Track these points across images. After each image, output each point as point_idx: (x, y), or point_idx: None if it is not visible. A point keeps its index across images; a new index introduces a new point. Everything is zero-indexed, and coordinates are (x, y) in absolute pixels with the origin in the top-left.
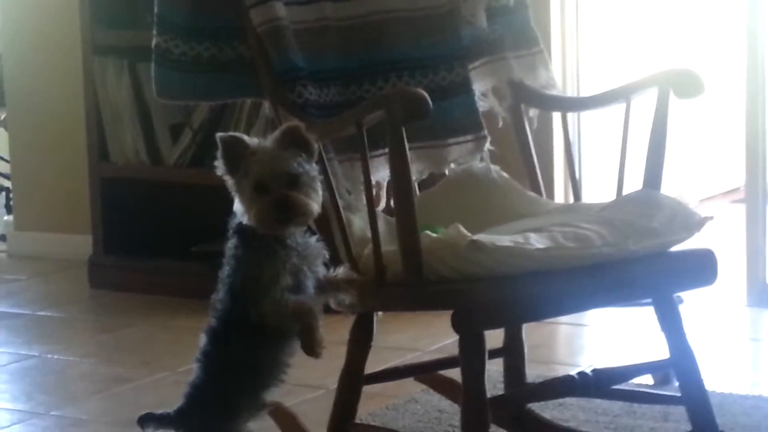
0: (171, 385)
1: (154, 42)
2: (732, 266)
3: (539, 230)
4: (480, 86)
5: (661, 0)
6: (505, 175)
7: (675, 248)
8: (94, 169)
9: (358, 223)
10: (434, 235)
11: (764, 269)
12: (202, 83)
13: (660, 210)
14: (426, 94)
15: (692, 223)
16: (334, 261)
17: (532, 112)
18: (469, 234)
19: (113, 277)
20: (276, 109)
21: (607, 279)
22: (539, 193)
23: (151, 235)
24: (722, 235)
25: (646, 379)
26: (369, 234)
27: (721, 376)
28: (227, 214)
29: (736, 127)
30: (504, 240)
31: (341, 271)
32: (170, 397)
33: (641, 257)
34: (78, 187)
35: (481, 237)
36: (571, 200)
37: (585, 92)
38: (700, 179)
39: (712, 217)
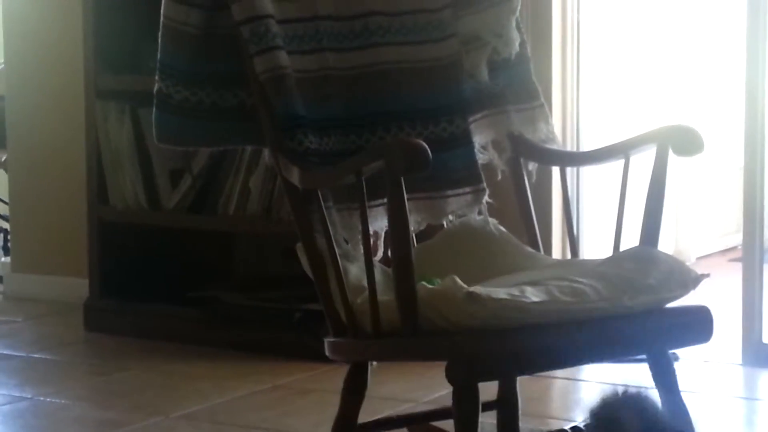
0: (164, 430)
1: (155, 87)
2: (728, 324)
3: (535, 284)
4: (480, 139)
5: (661, 57)
6: (502, 228)
7: (671, 305)
8: (92, 213)
9: (354, 271)
10: (430, 286)
11: (760, 328)
12: (202, 129)
13: (656, 266)
14: (426, 146)
15: (688, 280)
16: (326, 310)
17: (531, 166)
18: (465, 286)
19: (109, 321)
20: (276, 156)
21: (603, 334)
22: (537, 247)
23: (148, 280)
24: (719, 293)
25: None
26: (364, 283)
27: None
28: (225, 260)
29: (734, 184)
30: (500, 293)
31: None
32: None
33: (637, 313)
34: (76, 230)
35: (477, 289)
36: (569, 255)
37: (584, 147)
38: (698, 237)
39: (708, 275)
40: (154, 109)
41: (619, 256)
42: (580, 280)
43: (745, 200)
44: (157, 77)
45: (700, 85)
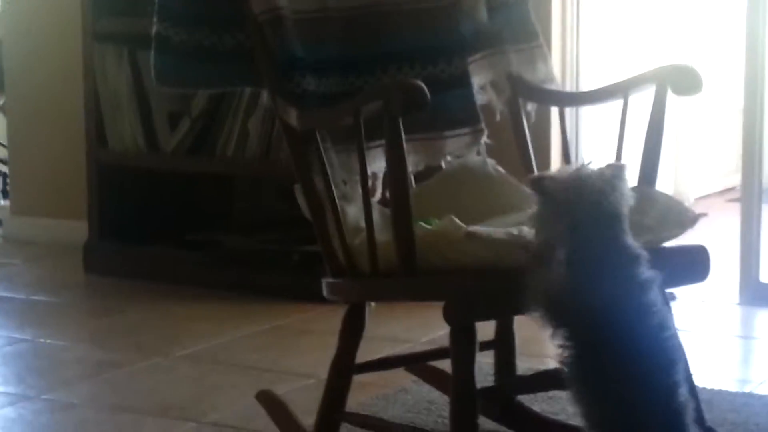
0: (164, 371)
1: (154, 29)
2: (725, 264)
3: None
4: (478, 79)
5: None
6: (500, 169)
7: (668, 244)
8: (91, 156)
9: (352, 212)
10: (428, 226)
11: (757, 268)
12: (201, 71)
13: (653, 206)
14: (424, 86)
15: (686, 220)
16: (324, 251)
17: (530, 106)
18: (464, 225)
19: (108, 263)
20: (274, 98)
21: None
22: None
23: (147, 222)
24: (717, 233)
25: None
26: (362, 224)
27: (711, 373)
28: (223, 202)
29: (734, 125)
30: (499, 232)
31: None
32: (162, 383)
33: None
34: (75, 173)
35: (476, 228)
36: None
37: (583, 87)
38: (697, 177)
39: (705, 214)
40: (152, 51)
41: None
42: None
43: (744, 141)
44: (155, 19)
45: (701, 26)
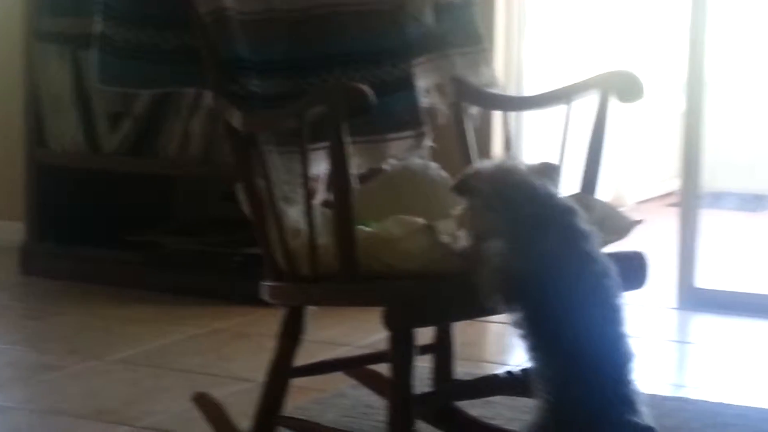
0: (99, 374)
1: (96, 28)
2: (664, 269)
3: None
4: (423, 82)
5: (605, 3)
6: (444, 173)
7: (605, 251)
8: (30, 156)
9: (293, 214)
10: (368, 229)
11: (695, 273)
12: (143, 71)
13: (590, 213)
14: (369, 91)
15: (622, 227)
16: (265, 254)
17: (474, 110)
18: (419, 219)
19: (46, 265)
20: (218, 99)
21: None
22: None
23: (87, 223)
24: (656, 238)
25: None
26: (302, 225)
27: (646, 378)
28: (165, 204)
29: (674, 130)
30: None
31: None
32: (98, 387)
33: None
34: (13, 173)
35: (436, 224)
36: None
37: (527, 92)
38: (637, 181)
39: (641, 221)
40: (95, 51)
41: None
42: None
43: (684, 146)
44: (98, 18)
45: (642, 30)
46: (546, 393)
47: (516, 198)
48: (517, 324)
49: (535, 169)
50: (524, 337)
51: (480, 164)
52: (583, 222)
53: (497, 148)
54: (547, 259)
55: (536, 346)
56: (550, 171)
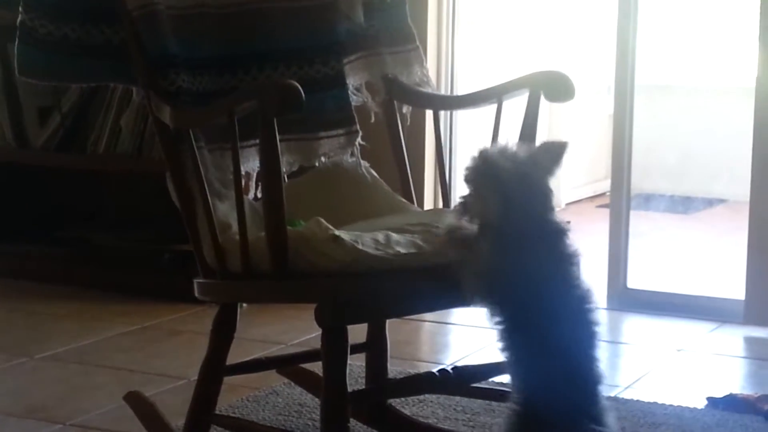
0: (28, 371)
1: (19, 19)
2: (594, 269)
3: (400, 230)
4: (354, 81)
5: (536, 3)
6: (375, 174)
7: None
8: None
9: (223, 208)
10: (294, 228)
11: (625, 273)
12: (67, 65)
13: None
14: (300, 87)
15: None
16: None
17: (405, 109)
18: (331, 228)
19: None
20: (148, 95)
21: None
22: (408, 189)
23: (15, 220)
24: (586, 239)
25: (506, 378)
26: (229, 219)
27: None
28: (93, 200)
29: (604, 131)
30: (365, 238)
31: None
32: (27, 384)
33: None
34: None
35: (343, 233)
36: (440, 199)
37: (458, 91)
38: (568, 183)
39: (568, 222)
40: (16, 42)
41: None
42: (442, 227)
43: (614, 147)
44: (21, 9)
45: (572, 32)
46: (518, 400)
47: (512, 214)
48: (498, 335)
49: (541, 151)
50: (504, 348)
51: (487, 155)
52: (571, 244)
53: (429, 146)
54: (533, 279)
55: (515, 359)
56: (556, 149)
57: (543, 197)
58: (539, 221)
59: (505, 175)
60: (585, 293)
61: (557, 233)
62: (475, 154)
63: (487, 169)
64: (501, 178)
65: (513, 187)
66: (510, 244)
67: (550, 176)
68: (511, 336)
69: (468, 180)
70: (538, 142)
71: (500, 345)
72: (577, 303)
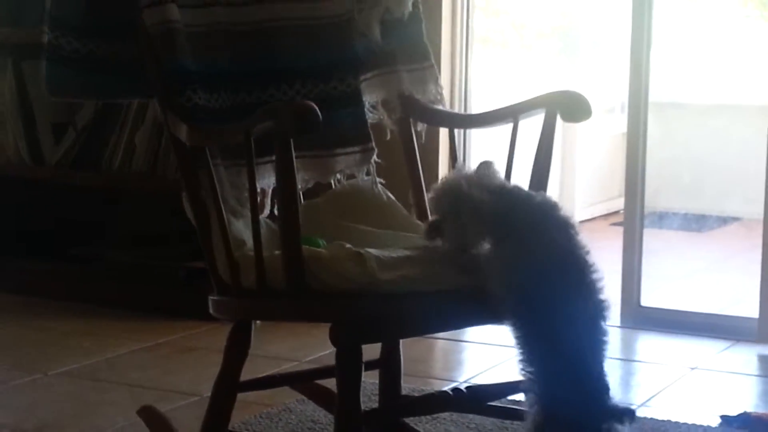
0: (42, 388)
1: (46, 39)
2: (608, 287)
3: (416, 249)
4: (370, 98)
5: (551, 22)
6: (390, 195)
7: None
8: None
9: (238, 226)
10: (316, 248)
11: (639, 291)
12: (94, 81)
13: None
14: (316, 108)
15: None
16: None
17: (420, 126)
18: (354, 248)
19: None
20: (165, 112)
21: (483, 298)
22: (422, 206)
23: (30, 236)
24: (600, 257)
25: (520, 397)
26: (244, 237)
27: None
28: (108, 217)
29: (617, 150)
30: (385, 258)
31: None
32: (41, 401)
33: None
34: None
35: (365, 252)
36: None
37: (472, 111)
38: (582, 201)
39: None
40: (45, 62)
41: None
42: None
43: (628, 166)
44: (47, 28)
45: (586, 51)
46: (536, 402)
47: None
48: (516, 342)
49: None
50: (523, 356)
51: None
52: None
53: (443, 164)
54: (550, 289)
55: (534, 369)
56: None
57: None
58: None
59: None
60: (603, 307)
61: (568, 228)
62: (438, 184)
63: (450, 191)
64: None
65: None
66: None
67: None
68: (529, 346)
69: (434, 205)
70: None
71: (519, 357)
72: (592, 319)
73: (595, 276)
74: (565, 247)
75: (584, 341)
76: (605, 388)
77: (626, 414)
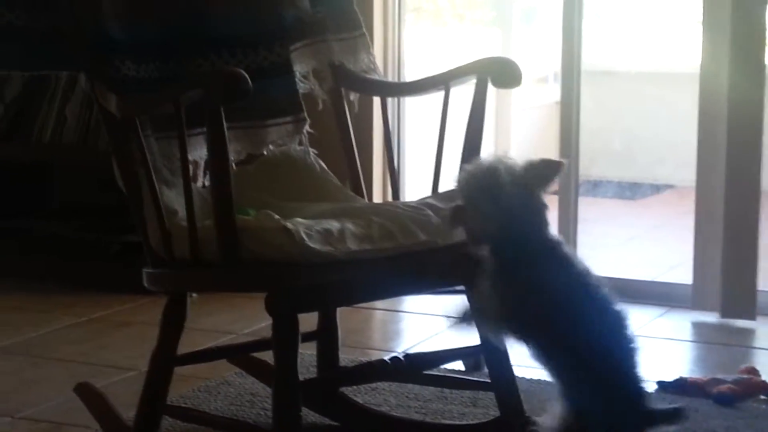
0: None
1: None
2: None
3: (350, 216)
4: (301, 68)
5: None
6: (321, 163)
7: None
8: None
9: (168, 194)
10: (245, 217)
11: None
12: (13, 52)
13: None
14: (246, 75)
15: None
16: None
17: (353, 96)
18: (282, 219)
19: None
20: (93, 83)
21: (418, 267)
22: (356, 175)
23: None
24: None
25: (458, 365)
26: (177, 206)
27: (529, 364)
28: (39, 190)
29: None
30: (316, 229)
31: None
32: None
33: (451, 246)
34: None
35: (293, 224)
36: (389, 188)
37: (406, 78)
38: None
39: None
40: None
41: (434, 197)
42: (389, 222)
43: (562, 134)
44: None
45: (519, 20)
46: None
47: (514, 230)
48: (534, 356)
49: (534, 167)
50: (549, 367)
51: (485, 166)
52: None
53: (377, 134)
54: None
55: (563, 382)
56: (551, 168)
57: (541, 214)
58: (540, 238)
59: (507, 189)
60: (623, 318)
61: (559, 248)
62: (470, 164)
63: (485, 182)
64: (502, 193)
65: (514, 203)
66: (520, 264)
67: (544, 192)
68: (552, 360)
69: (463, 190)
70: (536, 158)
71: (545, 370)
72: (613, 320)
73: (606, 290)
74: (578, 267)
75: (615, 352)
76: (645, 394)
77: (676, 414)
